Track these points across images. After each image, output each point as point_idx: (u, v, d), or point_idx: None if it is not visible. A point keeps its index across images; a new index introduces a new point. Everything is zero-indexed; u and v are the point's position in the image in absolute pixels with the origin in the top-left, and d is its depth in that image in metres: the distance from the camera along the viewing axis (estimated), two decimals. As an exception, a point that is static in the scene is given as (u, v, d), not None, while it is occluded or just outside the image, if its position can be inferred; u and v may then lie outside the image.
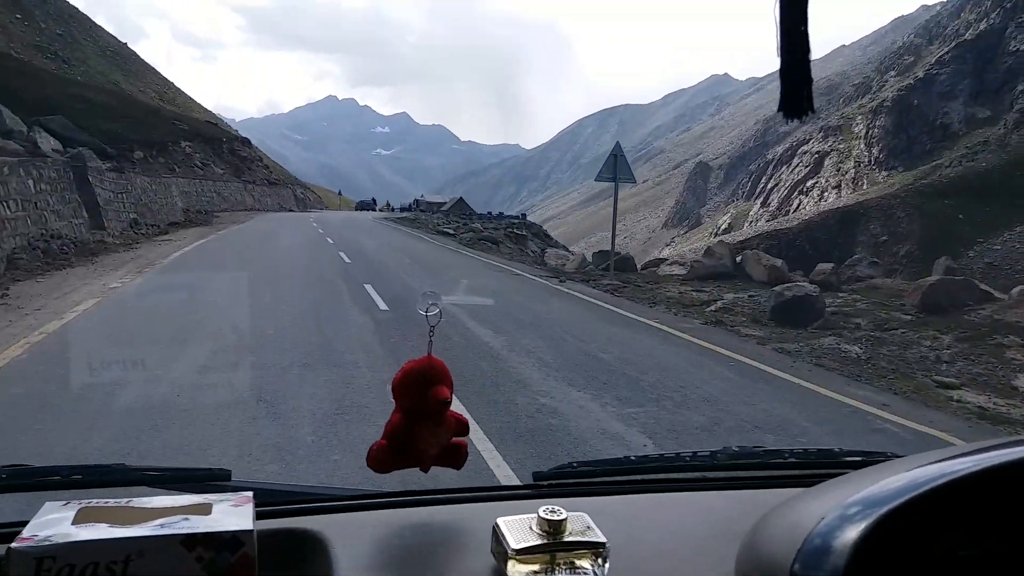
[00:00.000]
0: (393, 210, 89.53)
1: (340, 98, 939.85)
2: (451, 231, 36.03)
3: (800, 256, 40.16)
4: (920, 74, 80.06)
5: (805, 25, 0.97)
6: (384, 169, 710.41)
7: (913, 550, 0.77)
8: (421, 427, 1.17)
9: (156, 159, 39.96)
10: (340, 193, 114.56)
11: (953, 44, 79.19)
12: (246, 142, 70.15)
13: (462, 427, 1.24)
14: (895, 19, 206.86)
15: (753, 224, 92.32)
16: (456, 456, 1.24)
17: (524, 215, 77.89)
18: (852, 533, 0.76)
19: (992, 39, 74.90)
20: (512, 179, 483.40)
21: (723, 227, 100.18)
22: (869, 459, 1.40)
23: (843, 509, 0.80)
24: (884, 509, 0.77)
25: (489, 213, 77.89)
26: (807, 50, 1.00)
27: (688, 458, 1.50)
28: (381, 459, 1.19)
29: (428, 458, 1.21)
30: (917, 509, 0.76)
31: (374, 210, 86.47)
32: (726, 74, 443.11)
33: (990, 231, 37.34)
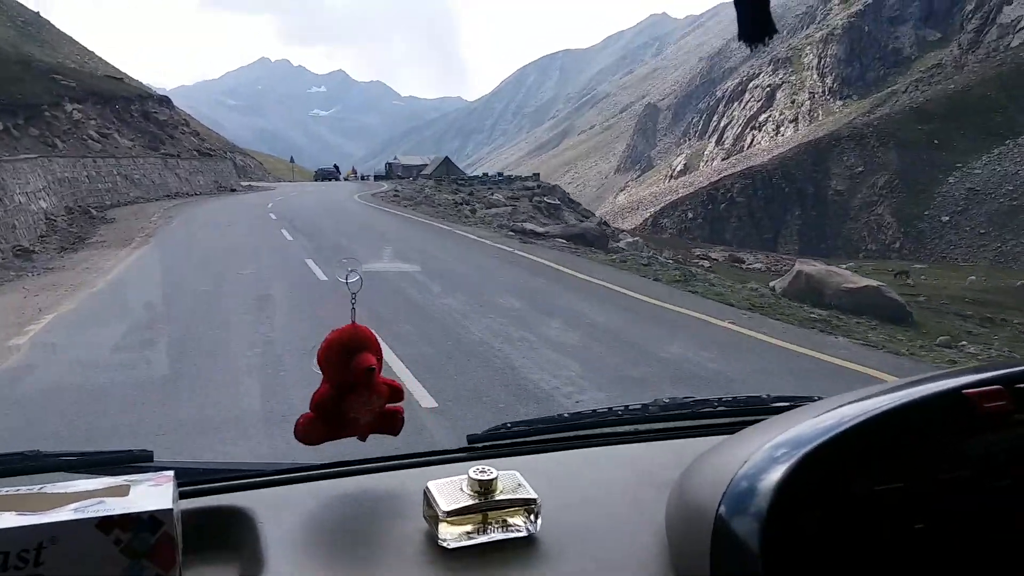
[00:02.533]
0: (363, 178, 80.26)
1: (273, 60, 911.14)
2: (500, 217, 26.07)
3: (778, 195, 38.98)
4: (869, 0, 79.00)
5: None
6: (324, 130, 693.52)
7: (834, 487, 0.80)
8: (350, 396, 1.14)
9: (25, 131, 29.66)
10: (293, 160, 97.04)
11: (901, -34, 78.00)
12: (165, 102, 53.39)
13: (396, 393, 1.21)
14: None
15: (709, 163, 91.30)
16: (392, 422, 1.23)
17: (537, 175, 63.77)
18: (775, 474, 0.79)
19: (939, -41, 73.84)
20: (456, 133, 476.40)
21: (679, 168, 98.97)
22: (795, 403, 1.38)
23: (766, 452, 0.83)
24: (805, 449, 0.79)
25: (485, 175, 66.62)
26: None
27: (620, 412, 1.50)
28: (308, 431, 1.16)
29: (361, 427, 1.19)
30: (836, 448, 0.79)
31: (339, 179, 76.98)
32: (664, 13, 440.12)
33: (969, 155, 36.33)
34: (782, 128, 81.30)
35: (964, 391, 0.83)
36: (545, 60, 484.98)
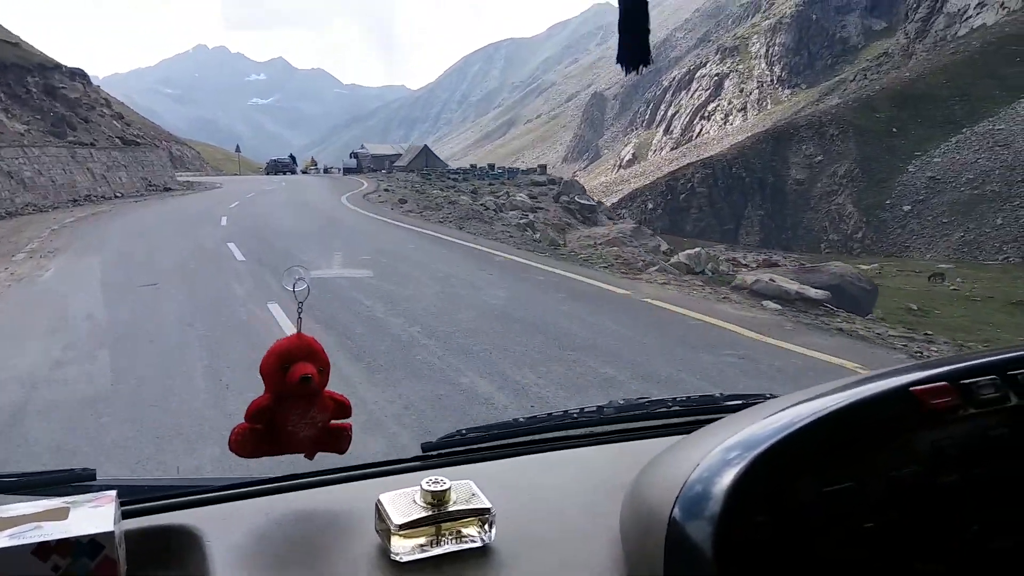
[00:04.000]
0: (327, 171, 70.86)
1: (211, 47, 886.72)
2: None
3: (738, 185, 38.15)
4: (816, -12, 79.19)
5: None
6: (264, 119, 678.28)
7: (785, 489, 0.81)
8: (288, 407, 1.11)
9: None
10: (239, 150, 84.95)
11: (846, -45, 78.33)
12: (78, 76, 42.08)
13: (343, 409, 1.18)
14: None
15: (658, 152, 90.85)
16: (337, 440, 1.18)
17: (544, 167, 55.78)
18: (727, 478, 0.80)
19: (883, -52, 74.29)
20: (401, 122, 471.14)
21: (627, 158, 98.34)
22: (748, 402, 1.41)
23: (718, 454, 0.83)
24: (755, 452, 0.80)
25: (473, 167, 56.25)
26: (644, 2, 1.05)
27: (576, 415, 1.51)
28: (242, 442, 1.12)
29: (302, 442, 1.15)
30: (786, 449, 0.81)
31: (295, 172, 66.16)
32: (608, 3, 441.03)
33: (927, 143, 35.97)
34: (730, 117, 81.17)
35: (911, 388, 0.84)
36: (490, 49, 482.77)
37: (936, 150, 35.15)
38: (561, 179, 40.74)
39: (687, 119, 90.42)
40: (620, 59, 1.03)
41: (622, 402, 1.60)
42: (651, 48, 1.05)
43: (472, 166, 57.32)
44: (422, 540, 0.96)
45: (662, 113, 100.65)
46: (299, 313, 1.15)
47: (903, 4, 68.22)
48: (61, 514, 0.84)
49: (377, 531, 0.99)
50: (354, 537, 1.02)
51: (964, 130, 35.52)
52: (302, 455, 1.18)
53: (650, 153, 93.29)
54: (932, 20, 59.22)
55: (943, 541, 0.84)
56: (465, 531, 0.97)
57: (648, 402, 1.60)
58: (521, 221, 20.37)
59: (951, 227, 30.23)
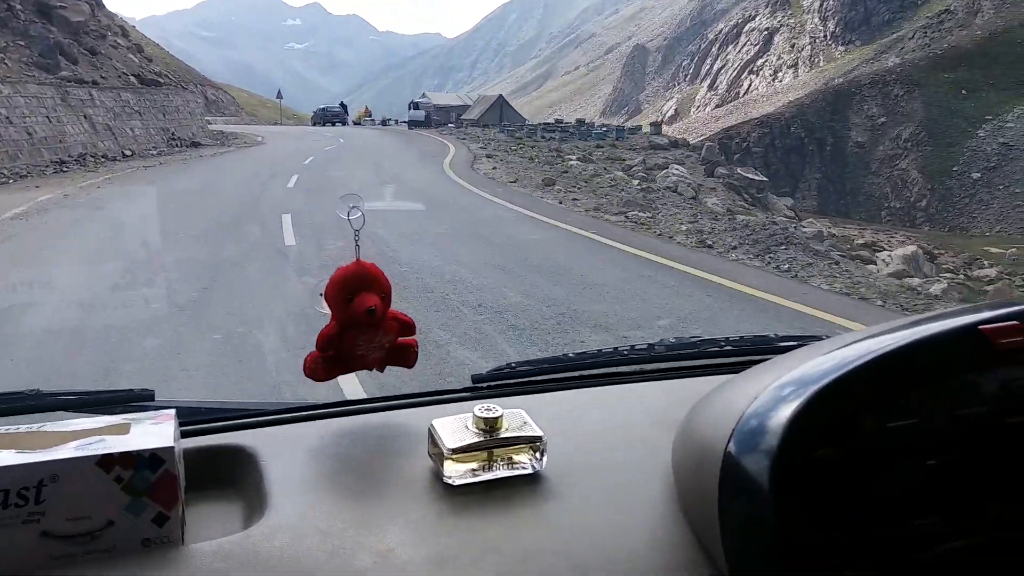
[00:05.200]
0: (384, 123, 62.68)
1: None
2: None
3: (796, 146, 36.45)
4: (876, -62, 75.40)
5: None
6: (299, 65, 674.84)
7: (845, 424, 0.80)
8: (354, 335, 1.15)
9: None
10: (280, 97, 75.90)
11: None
12: None
13: (407, 327, 1.22)
14: None
15: (702, 109, 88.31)
16: (405, 356, 1.23)
17: (659, 124, 46.47)
18: (785, 412, 0.78)
19: None
20: (436, 71, 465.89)
21: (669, 113, 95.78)
22: (803, 342, 1.38)
23: (775, 389, 0.82)
24: (815, 387, 0.79)
25: (569, 123, 46.53)
26: None
27: (626, 352, 1.50)
28: (316, 368, 1.18)
29: (372, 361, 1.20)
30: (847, 384, 0.79)
31: (345, 123, 58.59)
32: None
33: (1000, 107, 33.95)
34: (780, 73, 78.36)
35: (980, 327, 0.81)
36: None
37: (1009, 114, 33.15)
38: (683, 140, 35.33)
39: (734, 74, 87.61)
40: None
41: (673, 340, 1.58)
42: None
43: (557, 121, 49.42)
44: (474, 465, 0.97)
45: (707, 67, 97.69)
46: (356, 240, 1.17)
47: (969, -43, 64.78)
48: (123, 429, 0.87)
49: (430, 455, 1.01)
50: (408, 460, 1.04)
51: (1040, 93, 33.51)
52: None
53: (693, 109, 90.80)
54: (1002, -26, 56.09)
55: (1008, 482, 0.82)
56: (517, 458, 0.99)
57: (700, 341, 1.56)
58: (718, 210, 15.26)
59: (1023, 198, 28.59)
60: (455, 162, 22.87)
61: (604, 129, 39.30)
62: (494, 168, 20.87)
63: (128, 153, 24.43)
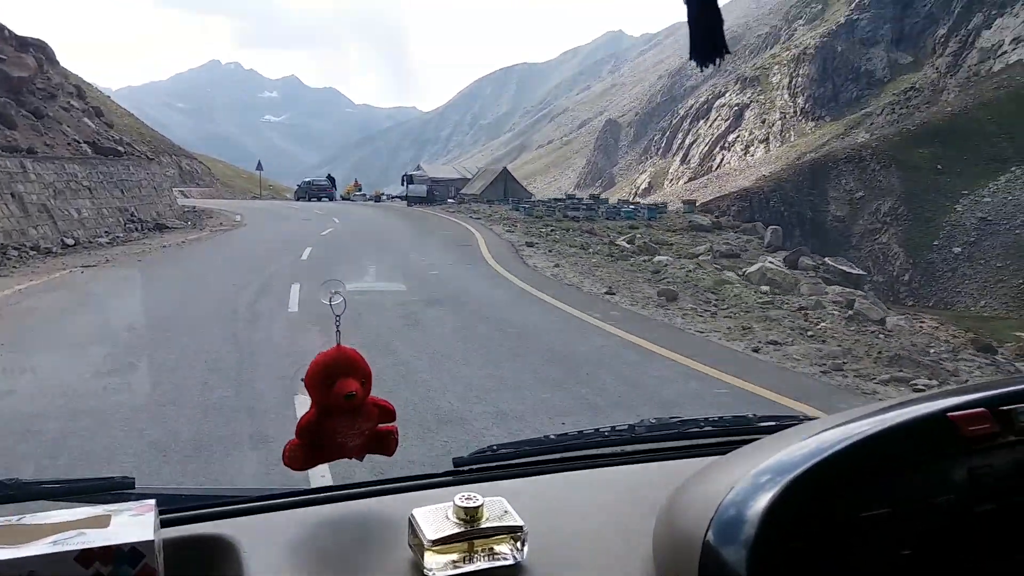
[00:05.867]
0: (378, 200, 55.03)
1: (224, 62, 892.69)
2: None
3: (775, 218, 36.32)
4: (841, 19, 77.99)
5: None
6: (274, 136, 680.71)
7: (820, 514, 0.81)
8: (334, 421, 1.15)
9: None
10: (260, 168, 68.59)
11: (870, -11, 77.24)
12: (33, 48, 28.54)
13: (387, 413, 1.22)
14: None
15: (675, 182, 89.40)
16: (385, 444, 1.23)
17: (693, 202, 38.37)
18: (761, 501, 0.79)
19: (909, -17, 73.22)
20: (411, 143, 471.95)
21: (643, 186, 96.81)
22: (782, 424, 1.40)
23: (753, 478, 0.84)
24: (790, 476, 0.81)
25: (595, 198, 42.59)
26: None
27: (607, 433, 1.50)
28: (295, 456, 1.17)
29: (351, 449, 1.19)
30: (822, 473, 0.81)
31: (333, 199, 52.58)
32: (620, 31, 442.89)
33: (975, 182, 34.34)
34: (752, 148, 79.65)
35: (948, 414, 0.83)
36: (501, 73, 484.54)
37: (985, 190, 33.52)
38: (726, 220, 30.31)
39: (706, 148, 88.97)
40: (694, 54, 0.98)
41: (653, 421, 1.57)
42: (725, 41, 0.98)
43: (569, 196, 44.78)
44: (455, 556, 0.96)
45: (679, 142, 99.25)
46: (337, 326, 1.18)
47: (930, 38, 66.97)
48: (103, 521, 0.86)
49: (410, 546, 1.00)
50: (387, 551, 1.03)
51: (1014, 168, 33.95)
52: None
53: (666, 182, 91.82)
54: (964, 55, 57.87)
55: (980, 569, 0.82)
56: (498, 548, 0.98)
57: (680, 421, 1.56)
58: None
59: (1006, 272, 28.56)
60: (495, 252, 18.88)
61: (632, 208, 35.35)
62: (555, 265, 16.60)
63: (70, 242, 19.13)
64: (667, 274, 16.03)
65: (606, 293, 13.26)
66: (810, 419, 1.05)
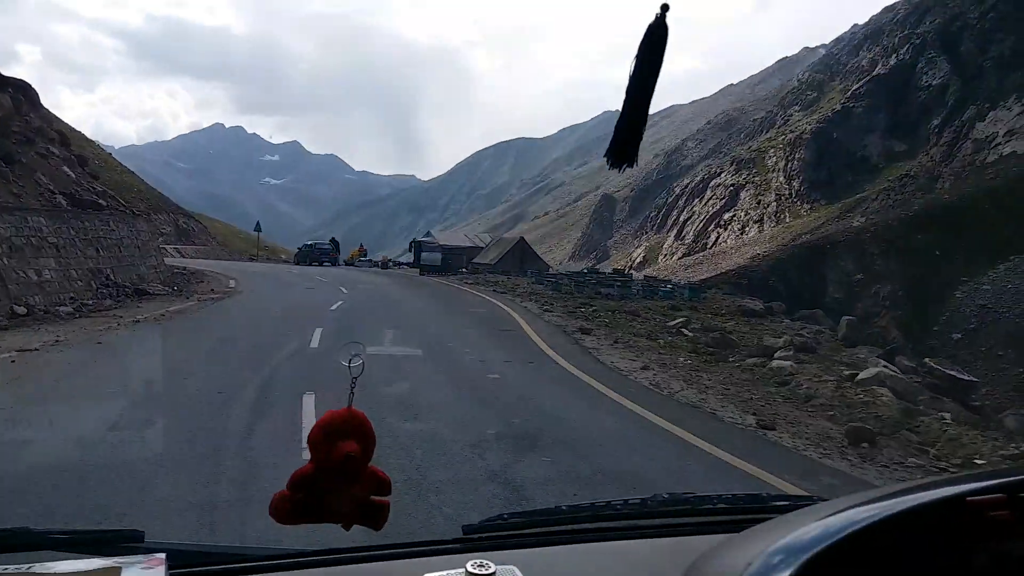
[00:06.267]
0: (386, 266, 52.04)
1: (227, 125, 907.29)
2: None
3: (775, 298, 36.11)
4: (837, 107, 79.49)
5: (650, 87, 1.09)
6: (274, 198, 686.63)
7: None
8: (327, 481, 1.11)
9: None
10: (259, 229, 67.17)
11: (867, 78, 79.04)
12: (12, 88, 26.35)
13: (383, 485, 1.18)
14: (779, 60, 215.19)
15: (668, 257, 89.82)
16: (375, 515, 1.18)
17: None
18: None
19: (903, 74, 74.98)
20: (409, 209, 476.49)
21: (638, 260, 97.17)
22: (795, 504, 1.38)
23: (767, 557, 0.82)
24: (805, 556, 0.79)
25: (621, 274, 41.46)
26: (645, 109, 1.12)
27: (619, 506, 1.47)
28: (280, 509, 1.13)
29: (339, 514, 1.16)
30: (837, 554, 0.79)
31: (335, 263, 49.46)
32: (618, 111, 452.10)
33: (974, 269, 34.24)
34: (746, 227, 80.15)
35: (967, 498, 0.81)
36: (501, 146, 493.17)
37: (984, 277, 33.40)
38: (778, 305, 28.38)
39: (700, 226, 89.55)
40: (609, 155, 1.10)
41: (666, 496, 1.52)
42: (639, 155, 1.13)
43: (591, 270, 39.56)
44: None
45: (674, 218, 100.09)
46: (352, 388, 1.16)
47: (924, 127, 68.13)
48: (113, 574, 0.84)
49: None
50: None
51: (1013, 258, 33.92)
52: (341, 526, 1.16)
53: (661, 257, 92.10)
54: (959, 145, 58.71)
55: None
56: None
57: (693, 497, 1.52)
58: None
59: (1007, 360, 28.14)
60: (551, 341, 15.64)
61: (670, 287, 31.96)
62: (643, 367, 13.19)
63: (21, 311, 15.52)
64: (805, 389, 12.05)
65: (759, 426, 9.39)
66: (824, 500, 1.00)
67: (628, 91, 1.06)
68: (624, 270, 71.16)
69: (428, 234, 67.78)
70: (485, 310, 22.14)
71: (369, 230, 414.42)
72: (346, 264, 53.31)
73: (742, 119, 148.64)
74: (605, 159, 1.04)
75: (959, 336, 31.01)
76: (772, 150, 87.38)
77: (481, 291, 28.84)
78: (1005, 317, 30.56)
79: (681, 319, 20.96)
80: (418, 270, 45.25)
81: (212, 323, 17.20)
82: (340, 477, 1.09)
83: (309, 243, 54.48)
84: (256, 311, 19.92)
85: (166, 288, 23.25)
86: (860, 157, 72.53)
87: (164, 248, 61.98)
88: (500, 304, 23.71)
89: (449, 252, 50.38)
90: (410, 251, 54.77)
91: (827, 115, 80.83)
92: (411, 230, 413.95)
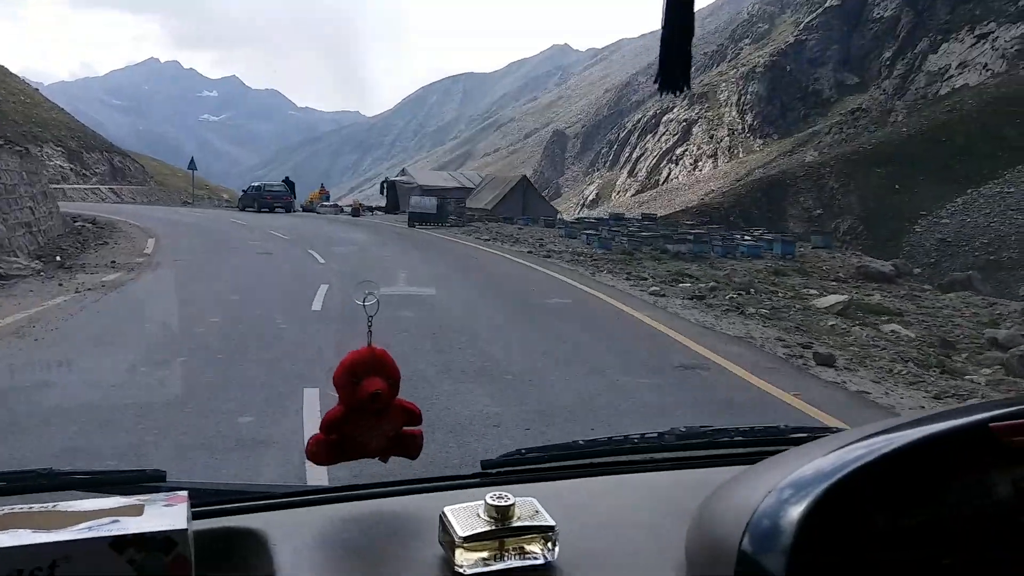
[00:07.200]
0: (356, 213, 41.01)
1: (162, 60, 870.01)
2: None
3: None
4: (790, 39, 78.72)
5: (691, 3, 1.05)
6: (213, 136, 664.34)
7: (858, 521, 0.80)
8: (357, 420, 1.16)
9: None
10: (194, 167, 57.11)
11: (820, 10, 78.16)
12: None
13: (413, 416, 1.22)
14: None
15: (622, 194, 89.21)
16: (409, 446, 1.23)
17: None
18: (798, 508, 0.78)
19: (855, 5, 74.35)
20: (354, 147, 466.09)
21: (590, 197, 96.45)
22: (814, 435, 1.38)
23: (789, 484, 0.83)
24: (828, 483, 0.79)
25: (646, 219, 33.82)
26: (691, 26, 1.07)
27: (636, 440, 1.49)
28: (317, 452, 1.18)
29: (374, 450, 1.20)
30: (860, 481, 0.80)
31: (292, 209, 41.23)
32: (566, 44, 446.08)
33: (933, 203, 34.18)
34: (699, 163, 79.77)
35: (990, 424, 0.82)
36: (447, 81, 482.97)
37: (943, 211, 33.39)
38: (904, 265, 23.51)
39: (653, 162, 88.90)
40: (659, 80, 1.03)
41: (684, 429, 1.54)
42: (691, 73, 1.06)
43: (617, 216, 35.54)
44: (485, 554, 0.96)
45: (626, 155, 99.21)
46: (369, 326, 1.19)
47: (876, 60, 67.86)
48: (137, 510, 0.86)
49: (441, 542, 1.00)
50: (418, 547, 1.04)
51: (970, 191, 33.92)
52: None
53: (614, 194, 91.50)
54: (911, 78, 58.57)
55: None
56: (528, 548, 0.98)
57: (711, 431, 1.54)
58: None
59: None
60: (806, 396, 7.16)
61: (752, 241, 23.62)
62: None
63: None
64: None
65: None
66: (842, 430, 0.99)
67: (667, 4, 0.97)
68: (577, 209, 70.14)
69: (403, 172, 57.05)
70: (572, 301, 13.13)
71: (312, 169, 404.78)
72: (304, 209, 44.42)
73: (693, 53, 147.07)
74: (655, 83, 0.97)
75: (919, 271, 31.01)
76: (724, 84, 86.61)
77: (513, 254, 20.51)
78: (964, 251, 30.64)
79: (829, 300, 13.90)
80: (402, 220, 35.93)
81: (56, 381, 7.13)
82: (369, 415, 1.12)
83: (256, 184, 44.59)
84: (168, 320, 9.54)
85: (37, 261, 14.37)
86: (812, 91, 72.27)
87: (99, 189, 58.60)
88: (574, 283, 15.07)
89: (429, 193, 39.86)
90: (382, 194, 47.29)
91: (779, 48, 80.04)
92: (356, 169, 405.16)
